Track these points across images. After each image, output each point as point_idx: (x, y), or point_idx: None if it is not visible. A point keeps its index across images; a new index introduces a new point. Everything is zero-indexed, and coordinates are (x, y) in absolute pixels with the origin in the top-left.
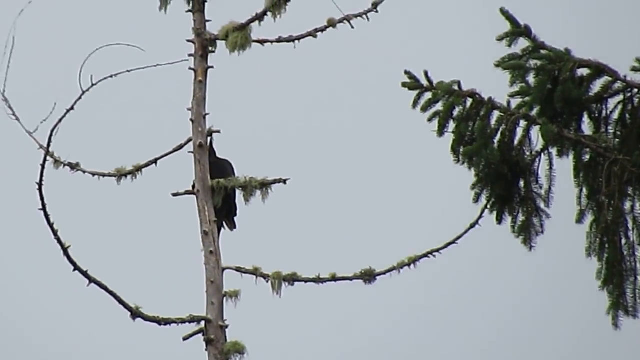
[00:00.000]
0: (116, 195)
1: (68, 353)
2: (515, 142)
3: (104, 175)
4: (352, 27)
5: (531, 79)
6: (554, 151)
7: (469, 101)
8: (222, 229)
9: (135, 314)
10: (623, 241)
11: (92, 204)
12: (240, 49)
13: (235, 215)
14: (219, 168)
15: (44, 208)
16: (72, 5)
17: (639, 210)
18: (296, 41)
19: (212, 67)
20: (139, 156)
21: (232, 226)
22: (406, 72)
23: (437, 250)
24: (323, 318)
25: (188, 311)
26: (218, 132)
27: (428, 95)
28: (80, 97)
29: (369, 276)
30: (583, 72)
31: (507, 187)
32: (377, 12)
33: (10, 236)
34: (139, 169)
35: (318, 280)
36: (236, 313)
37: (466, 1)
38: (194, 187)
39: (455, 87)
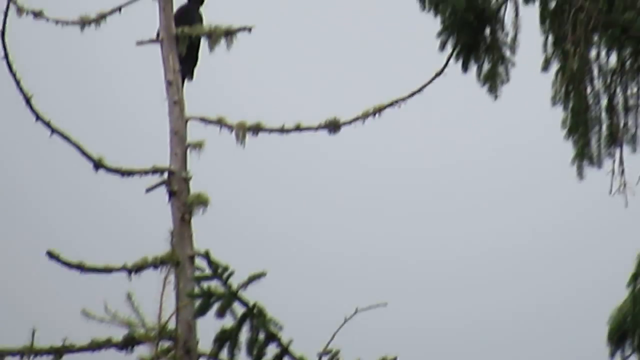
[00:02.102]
0: (80, 44)
1: (33, 209)
2: None
3: (67, 23)
4: None
5: None
6: None
7: None
8: (186, 79)
9: (98, 164)
10: (588, 89)
11: (56, 53)
12: None
13: (196, 65)
14: (187, 15)
15: (6, 56)
16: None
17: (604, 59)
18: None
19: None
20: (103, 3)
21: (190, 77)
22: None
23: (403, 100)
24: (288, 170)
25: (152, 162)
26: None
27: None
28: None
29: (334, 125)
30: None
31: (473, 35)
32: None
33: None
34: (102, 16)
35: (282, 130)
36: (200, 165)
37: None
38: (158, 35)
39: None
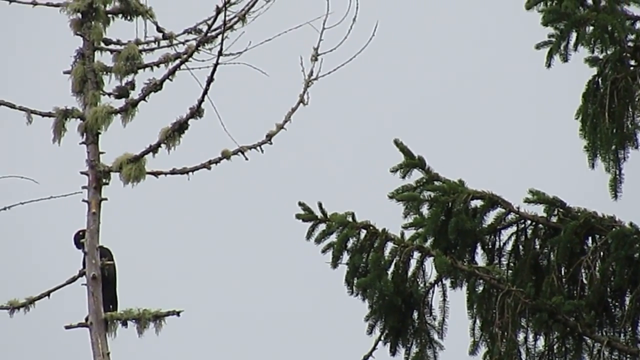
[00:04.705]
0: (10, 329)
1: None
2: (409, 273)
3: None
4: (247, 159)
5: (425, 210)
6: (447, 282)
7: (363, 233)
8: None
9: None
10: None
11: None
12: (134, 180)
13: (117, 305)
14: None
15: None
16: None
17: (532, 342)
18: (190, 173)
19: (105, 199)
20: (33, 289)
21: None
22: (300, 204)
23: None
24: None
25: None
26: (111, 264)
27: (322, 226)
28: None
29: None
30: (477, 203)
31: (400, 319)
32: (271, 143)
33: None
34: (32, 301)
35: None
36: None
37: (358, 133)
38: (87, 319)
39: (349, 219)
